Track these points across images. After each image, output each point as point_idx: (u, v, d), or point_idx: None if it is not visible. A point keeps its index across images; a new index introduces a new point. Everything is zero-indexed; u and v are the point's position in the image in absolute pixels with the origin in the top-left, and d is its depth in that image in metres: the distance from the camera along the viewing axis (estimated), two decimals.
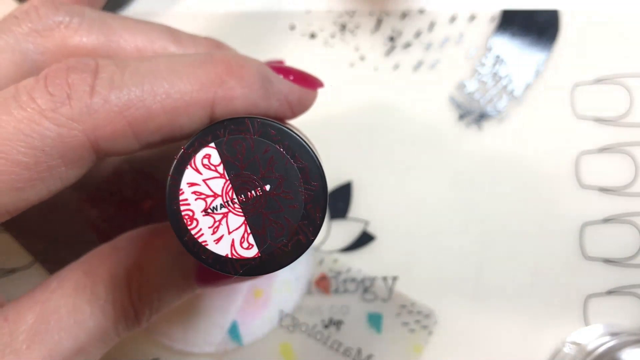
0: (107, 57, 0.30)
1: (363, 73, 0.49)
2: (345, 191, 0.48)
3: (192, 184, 0.24)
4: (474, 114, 0.49)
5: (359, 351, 0.48)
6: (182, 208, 0.24)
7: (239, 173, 0.24)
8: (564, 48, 0.49)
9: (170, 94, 0.27)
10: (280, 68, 0.33)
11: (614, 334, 0.47)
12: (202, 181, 0.24)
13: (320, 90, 0.36)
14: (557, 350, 0.48)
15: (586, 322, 0.48)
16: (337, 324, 0.48)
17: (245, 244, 0.24)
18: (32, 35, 0.30)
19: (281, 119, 0.32)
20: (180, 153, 0.24)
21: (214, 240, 0.24)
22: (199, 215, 0.24)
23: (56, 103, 0.26)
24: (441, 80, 0.49)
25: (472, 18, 0.49)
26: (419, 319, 0.48)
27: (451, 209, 0.48)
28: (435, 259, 0.48)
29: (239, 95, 0.29)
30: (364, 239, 0.48)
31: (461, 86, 0.49)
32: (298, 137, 0.25)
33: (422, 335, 0.48)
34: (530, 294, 0.48)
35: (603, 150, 0.48)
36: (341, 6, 0.49)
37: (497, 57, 0.49)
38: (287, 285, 0.48)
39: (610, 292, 0.48)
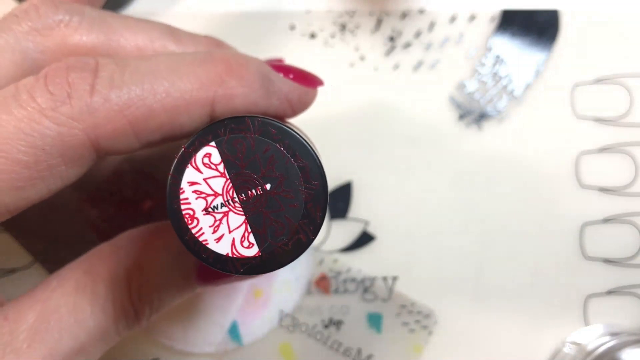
0: (107, 56, 0.30)
1: (363, 73, 0.49)
2: (345, 191, 0.48)
3: (192, 183, 0.24)
4: (474, 114, 0.49)
5: (359, 351, 0.48)
6: (182, 207, 0.24)
7: (239, 172, 0.24)
8: (564, 48, 0.49)
9: (171, 92, 0.27)
10: (280, 66, 0.33)
11: (614, 334, 0.47)
12: (203, 180, 0.24)
13: (320, 90, 0.36)
14: (557, 350, 0.48)
15: (586, 322, 0.48)
16: (337, 324, 0.48)
17: (245, 243, 0.24)
18: (32, 34, 0.30)
19: (281, 118, 0.32)
20: (180, 152, 0.24)
21: (215, 239, 0.24)
22: (199, 214, 0.24)
23: (56, 102, 0.26)
24: (441, 80, 0.49)
25: (472, 18, 0.49)
26: (419, 319, 0.48)
27: (451, 209, 0.48)
28: (435, 259, 0.48)
29: (239, 94, 0.29)
30: (364, 239, 0.48)
31: (461, 86, 0.49)
32: (298, 136, 0.25)
33: (422, 335, 0.48)
34: (530, 294, 0.48)
35: (603, 150, 0.48)
36: (341, 6, 0.49)
37: (497, 57, 0.49)
38: (287, 285, 0.48)
39: (610, 292, 0.48)
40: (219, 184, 0.24)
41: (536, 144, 0.49)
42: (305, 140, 0.25)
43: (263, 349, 0.48)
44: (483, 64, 0.49)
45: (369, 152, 0.48)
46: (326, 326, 0.48)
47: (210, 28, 0.48)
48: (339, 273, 0.48)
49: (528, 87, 0.49)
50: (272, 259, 0.25)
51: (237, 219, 0.24)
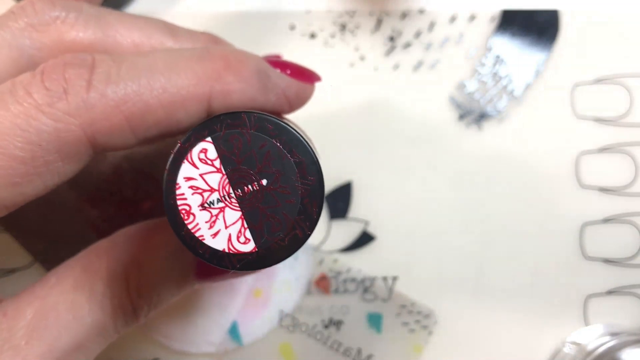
0: (104, 52, 0.30)
1: (363, 73, 0.49)
2: (345, 191, 0.48)
3: (188, 179, 0.24)
4: (474, 114, 0.49)
5: (359, 351, 0.48)
6: (178, 202, 0.24)
7: (235, 167, 0.24)
8: (564, 48, 0.49)
9: (167, 88, 0.27)
10: (277, 62, 0.33)
11: (614, 334, 0.47)
12: (199, 176, 0.24)
13: (320, 90, 0.36)
14: (557, 350, 0.48)
15: (586, 322, 0.48)
16: (337, 324, 0.48)
17: (242, 239, 0.24)
18: (28, 31, 0.30)
19: (279, 114, 0.32)
20: (176, 147, 0.24)
21: (211, 235, 0.24)
22: (195, 209, 0.24)
23: (53, 98, 0.26)
24: (441, 80, 0.49)
25: (472, 18, 0.49)
26: (419, 319, 0.48)
27: (451, 209, 0.48)
28: (435, 259, 0.48)
29: (236, 90, 0.29)
30: (364, 239, 0.48)
31: (461, 86, 0.49)
32: (295, 132, 0.25)
33: (422, 335, 0.48)
34: (530, 294, 0.48)
35: (603, 150, 0.48)
36: (341, 6, 0.49)
37: (497, 57, 0.49)
38: (287, 285, 0.48)
39: (610, 292, 0.48)
40: (215, 179, 0.24)
41: (536, 144, 0.49)
42: (302, 136, 0.25)
43: (263, 349, 0.48)
44: (483, 64, 0.49)
45: (369, 152, 0.48)
46: (326, 326, 0.48)
47: (210, 28, 0.48)
48: (339, 273, 0.48)
49: (528, 87, 0.49)
50: (268, 254, 0.25)
51: (233, 214, 0.24)
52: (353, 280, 0.48)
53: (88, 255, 0.32)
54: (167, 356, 0.47)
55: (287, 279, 0.48)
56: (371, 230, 0.48)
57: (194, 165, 0.24)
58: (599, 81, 0.49)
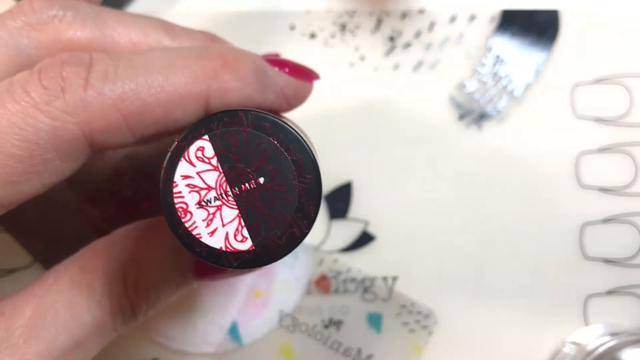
0: (101, 51, 0.30)
1: (363, 73, 0.49)
2: (345, 191, 0.48)
3: (185, 177, 0.24)
4: (474, 114, 0.49)
5: (359, 351, 0.48)
6: (175, 201, 0.24)
7: (232, 166, 0.24)
8: (564, 48, 0.49)
9: (165, 86, 0.27)
10: (275, 61, 0.33)
11: (614, 334, 0.47)
12: (196, 174, 0.24)
13: (320, 90, 0.36)
14: (557, 350, 0.48)
15: (586, 322, 0.48)
16: (337, 324, 0.48)
17: (239, 237, 0.24)
18: (25, 29, 0.30)
19: (277, 112, 0.32)
20: (173, 146, 0.24)
21: (208, 233, 0.24)
22: (192, 207, 0.24)
23: (50, 96, 0.26)
24: (441, 80, 0.49)
25: (472, 18, 0.49)
26: (419, 319, 0.48)
27: (451, 209, 0.48)
28: (435, 259, 0.48)
29: (234, 88, 0.29)
30: (364, 239, 0.48)
31: (461, 86, 0.49)
32: (292, 130, 0.25)
33: (422, 335, 0.48)
34: (530, 294, 0.48)
35: (603, 150, 0.48)
36: (341, 6, 0.49)
37: (497, 57, 0.49)
38: (287, 285, 0.48)
39: (610, 292, 0.48)
40: (212, 177, 0.24)
41: (536, 144, 0.49)
42: (299, 134, 0.25)
43: (263, 349, 0.48)
44: (483, 64, 0.49)
45: (369, 152, 0.48)
46: (326, 326, 0.48)
47: (210, 28, 0.48)
48: (339, 273, 0.48)
49: (528, 87, 0.49)
50: (265, 252, 0.25)
51: (230, 212, 0.24)
52: (353, 280, 0.48)
53: (86, 254, 0.32)
54: (167, 356, 0.47)
55: (287, 279, 0.48)
56: (371, 230, 0.48)
57: (191, 163, 0.24)
58: (599, 81, 0.49)
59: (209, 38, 0.35)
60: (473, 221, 0.48)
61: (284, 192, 0.24)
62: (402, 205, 0.48)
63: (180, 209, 0.24)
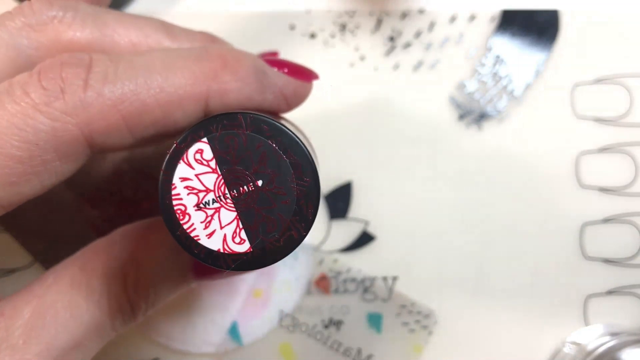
0: (101, 51, 0.30)
1: (363, 73, 0.49)
2: (345, 191, 0.48)
3: (184, 179, 0.24)
4: (474, 114, 0.49)
5: (359, 351, 0.48)
6: (174, 203, 0.24)
7: (231, 168, 0.24)
8: (564, 48, 0.49)
9: (164, 87, 0.28)
10: (274, 61, 0.33)
11: (614, 334, 0.47)
12: (195, 176, 0.24)
13: (320, 90, 0.36)
14: (557, 350, 0.48)
15: (586, 322, 0.48)
16: (337, 324, 0.48)
17: (237, 239, 0.24)
18: (25, 30, 0.31)
19: (277, 112, 0.32)
20: (172, 148, 0.24)
21: (206, 235, 0.24)
22: (191, 210, 0.24)
23: (50, 97, 0.26)
24: (441, 80, 0.49)
25: (472, 18, 0.49)
26: (419, 319, 0.48)
27: (451, 209, 0.48)
28: (435, 259, 0.48)
29: (234, 89, 0.29)
30: (364, 239, 0.48)
31: (461, 86, 0.49)
32: (291, 133, 0.25)
33: (422, 335, 0.48)
34: (530, 294, 0.48)
35: (603, 150, 0.48)
36: (341, 6, 0.49)
37: (497, 57, 0.49)
38: (287, 285, 0.48)
39: (610, 292, 0.48)
40: (210, 180, 0.24)
41: (536, 144, 0.49)
42: (298, 137, 0.25)
43: (263, 349, 0.48)
44: (483, 64, 0.49)
45: (369, 152, 0.49)
46: (326, 326, 0.48)
47: (210, 28, 0.47)
48: (339, 273, 0.48)
49: (528, 87, 0.49)
50: (263, 255, 0.25)
51: (228, 215, 0.24)
52: (353, 280, 0.48)
53: (86, 254, 0.32)
54: (167, 356, 0.47)
55: (287, 279, 0.48)
56: (371, 230, 0.48)
57: (189, 165, 0.24)
58: (599, 81, 0.49)
59: (209, 39, 0.35)
60: (473, 221, 0.48)
61: (282, 194, 0.24)
62: (402, 205, 0.48)
63: (179, 211, 0.24)
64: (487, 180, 0.48)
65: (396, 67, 0.49)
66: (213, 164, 0.24)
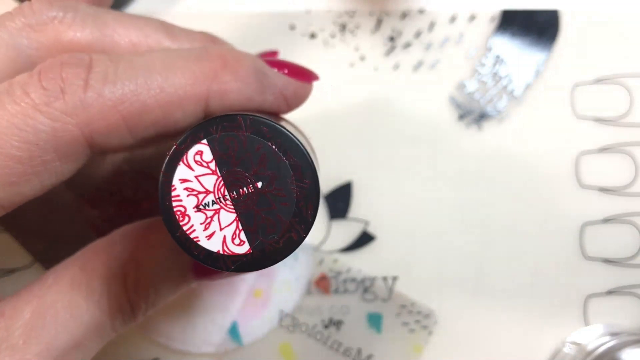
0: (101, 52, 0.30)
1: (363, 73, 0.49)
2: (345, 191, 0.48)
3: (184, 180, 0.24)
4: (474, 114, 0.49)
5: (359, 351, 0.48)
6: (174, 204, 0.24)
7: (230, 170, 0.24)
8: (564, 48, 0.49)
9: (164, 88, 0.27)
10: (274, 62, 0.33)
11: (614, 334, 0.47)
12: (194, 177, 0.24)
13: (320, 90, 0.36)
14: (557, 350, 0.48)
15: (586, 322, 0.48)
16: (337, 324, 0.48)
17: (236, 241, 0.24)
18: (25, 30, 0.31)
19: (277, 113, 0.32)
20: (172, 149, 0.24)
21: (206, 237, 0.24)
22: (190, 211, 0.24)
23: (50, 97, 0.26)
24: (441, 80, 0.49)
25: (472, 18, 0.49)
26: (419, 319, 0.48)
27: (451, 209, 0.49)
28: (435, 259, 0.48)
29: (234, 89, 0.29)
30: (364, 239, 0.48)
31: (461, 86, 0.49)
32: (290, 135, 0.25)
33: (422, 335, 0.48)
34: (530, 294, 0.48)
35: (603, 150, 0.48)
36: (341, 6, 0.49)
37: (497, 57, 0.49)
38: (287, 285, 0.48)
39: (610, 292, 0.48)
40: (210, 181, 0.24)
41: (536, 144, 0.49)
42: (297, 139, 0.25)
43: (263, 349, 0.48)
44: (483, 64, 0.49)
45: (369, 152, 0.49)
46: (326, 326, 0.48)
47: (210, 28, 0.47)
48: (339, 273, 0.48)
49: (528, 87, 0.49)
50: (263, 256, 0.25)
51: (228, 216, 0.24)
52: (353, 280, 0.48)
53: (86, 254, 0.32)
54: (167, 356, 0.47)
55: (287, 279, 0.48)
56: (371, 230, 0.48)
57: (189, 167, 0.24)
58: (599, 81, 0.49)
59: (209, 39, 0.35)
60: (473, 221, 0.48)
61: (282, 196, 0.24)
62: (402, 205, 0.48)
63: (179, 212, 0.24)
64: (487, 180, 0.48)
65: (396, 67, 0.49)
66: (213, 165, 0.24)
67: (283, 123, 0.28)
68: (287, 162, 0.24)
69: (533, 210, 0.48)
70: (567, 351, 0.47)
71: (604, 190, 0.48)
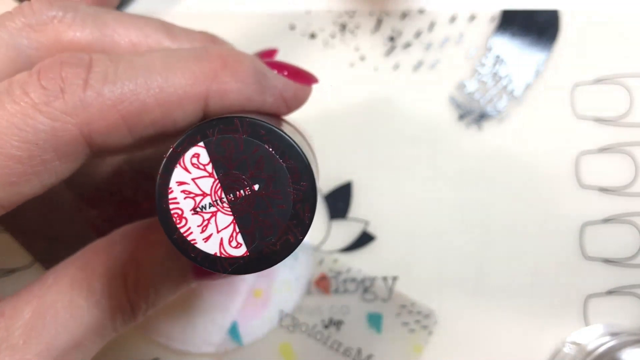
0: (101, 51, 0.30)
1: (363, 73, 0.49)
2: (345, 191, 0.48)
3: (181, 183, 0.24)
4: (474, 114, 0.49)
5: (359, 351, 0.48)
6: (171, 207, 0.24)
7: (227, 172, 0.24)
8: (564, 48, 0.49)
9: (164, 87, 0.27)
10: (274, 63, 0.33)
11: (614, 334, 0.47)
12: (191, 180, 0.24)
13: (320, 90, 0.36)
14: (557, 350, 0.48)
15: (586, 322, 0.48)
16: (337, 324, 0.48)
17: (233, 243, 0.24)
18: (25, 30, 0.31)
19: (277, 115, 0.32)
20: (169, 152, 0.24)
21: (203, 239, 0.24)
22: (188, 214, 0.24)
23: (49, 97, 0.26)
24: (441, 80, 0.49)
25: (472, 18, 0.49)
26: (419, 319, 0.48)
27: (451, 209, 0.49)
28: (435, 259, 0.48)
29: (233, 90, 0.29)
30: (364, 239, 0.48)
31: (461, 86, 0.49)
32: (287, 137, 0.25)
33: (422, 335, 0.48)
34: (530, 294, 0.48)
35: (603, 150, 0.48)
36: (341, 6, 0.49)
37: (497, 57, 0.49)
38: (287, 285, 0.48)
39: (610, 292, 0.48)
40: (207, 184, 0.24)
41: (536, 144, 0.49)
42: (294, 141, 0.25)
43: (263, 349, 0.48)
44: (483, 64, 0.49)
45: (369, 152, 0.49)
46: (326, 326, 0.48)
47: (210, 28, 0.47)
48: (339, 273, 0.48)
49: (528, 87, 0.49)
50: (260, 258, 0.25)
51: (225, 219, 0.24)
52: (353, 280, 0.48)
53: (86, 254, 0.32)
54: (167, 356, 0.47)
55: (287, 279, 0.48)
56: (371, 230, 0.48)
57: (186, 169, 0.24)
58: (599, 81, 0.49)
59: (209, 39, 0.35)
60: (473, 221, 0.48)
61: (279, 199, 0.24)
62: (402, 205, 0.48)
63: (176, 215, 0.24)
64: (487, 180, 0.48)
65: (396, 67, 0.49)
66: (210, 168, 0.24)
67: (283, 124, 0.28)
68: (284, 165, 0.24)
69: (533, 210, 0.48)
70: (567, 351, 0.47)
71: (604, 190, 0.48)
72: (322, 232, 0.48)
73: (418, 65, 0.49)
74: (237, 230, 0.24)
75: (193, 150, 0.24)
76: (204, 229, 0.24)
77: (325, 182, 0.48)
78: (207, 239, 0.24)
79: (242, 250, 0.25)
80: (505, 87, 0.49)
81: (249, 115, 0.25)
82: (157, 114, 0.28)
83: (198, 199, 0.24)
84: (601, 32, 0.49)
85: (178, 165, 0.24)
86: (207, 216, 0.24)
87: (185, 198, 0.24)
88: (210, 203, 0.24)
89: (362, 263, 0.48)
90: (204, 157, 0.24)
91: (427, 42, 0.49)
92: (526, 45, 0.49)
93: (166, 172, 0.24)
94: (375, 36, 0.49)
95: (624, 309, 0.48)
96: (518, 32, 0.49)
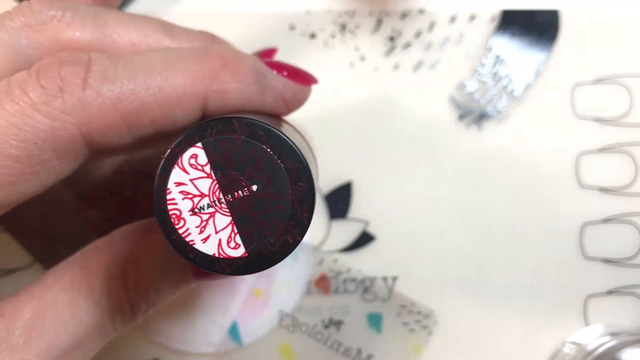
0: (101, 51, 0.30)
1: (363, 73, 0.49)
2: (345, 191, 0.48)
3: (179, 184, 0.24)
4: (474, 114, 0.49)
5: (359, 351, 0.48)
6: (169, 207, 0.24)
7: (226, 173, 0.24)
8: (564, 48, 0.49)
9: (164, 87, 0.27)
10: (273, 63, 0.33)
11: (614, 334, 0.47)
12: (189, 181, 0.24)
13: (320, 90, 0.35)
14: (557, 350, 0.48)
15: (586, 322, 0.48)
16: (337, 324, 0.48)
17: (232, 244, 0.24)
18: (25, 30, 0.30)
19: (277, 115, 0.32)
20: (167, 153, 0.24)
21: (201, 240, 0.24)
22: (186, 214, 0.24)
23: (48, 96, 0.26)
24: (441, 80, 0.49)
25: (472, 18, 0.49)
26: (419, 319, 0.48)
27: (451, 209, 0.49)
28: (435, 259, 0.48)
29: (233, 89, 0.29)
30: (364, 239, 0.48)
31: (461, 86, 0.49)
32: (286, 138, 0.25)
33: (422, 335, 0.48)
34: (530, 294, 0.48)
35: (603, 150, 0.48)
36: (341, 6, 0.49)
37: (497, 57, 0.49)
38: (287, 285, 0.48)
39: (610, 292, 0.48)
40: (205, 185, 0.24)
41: (536, 144, 0.49)
42: (293, 142, 0.25)
43: (263, 349, 0.48)
44: (483, 64, 0.49)
45: (369, 152, 0.49)
46: (326, 326, 0.48)
47: (210, 28, 0.47)
48: (339, 273, 0.48)
49: (528, 87, 0.49)
50: (258, 259, 0.25)
51: (223, 219, 0.24)
52: (353, 280, 0.48)
53: (86, 254, 0.32)
54: (167, 356, 0.47)
55: (287, 279, 0.48)
56: (371, 230, 0.48)
57: (184, 170, 0.24)
58: (599, 81, 0.49)
59: (209, 39, 0.35)
60: (473, 221, 0.48)
61: (277, 199, 0.24)
62: (402, 205, 0.48)
63: (174, 216, 0.24)
64: (487, 180, 0.48)
65: (396, 67, 0.49)
66: (208, 168, 0.24)
67: (282, 124, 0.28)
68: (283, 166, 0.24)
69: (533, 210, 0.48)
70: (567, 351, 0.47)
71: (604, 190, 0.48)
72: (322, 232, 0.48)
73: (418, 65, 0.49)
74: (236, 231, 0.24)
75: (191, 151, 0.24)
76: (203, 229, 0.24)
77: (325, 182, 0.48)
78: (205, 239, 0.24)
79: (240, 251, 0.25)
80: (505, 87, 0.49)
81: (247, 116, 0.25)
82: (156, 114, 0.28)
83: (196, 199, 0.24)
84: (601, 32, 0.49)
85: (176, 166, 0.24)
86: (205, 217, 0.24)
87: (183, 199, 0.24)
88: (208, 204, 0.24)
89: (362, 263, 0.48)
90: (202, 158, 0.24)
91: (427, 42, 0.49)
92: (526, 45, 0.49)
93: (164, 173, 0.24)
94: (375, 36, 0.49)
95: (624, 309, 0.48)
96: (518, 32, 0.49)
